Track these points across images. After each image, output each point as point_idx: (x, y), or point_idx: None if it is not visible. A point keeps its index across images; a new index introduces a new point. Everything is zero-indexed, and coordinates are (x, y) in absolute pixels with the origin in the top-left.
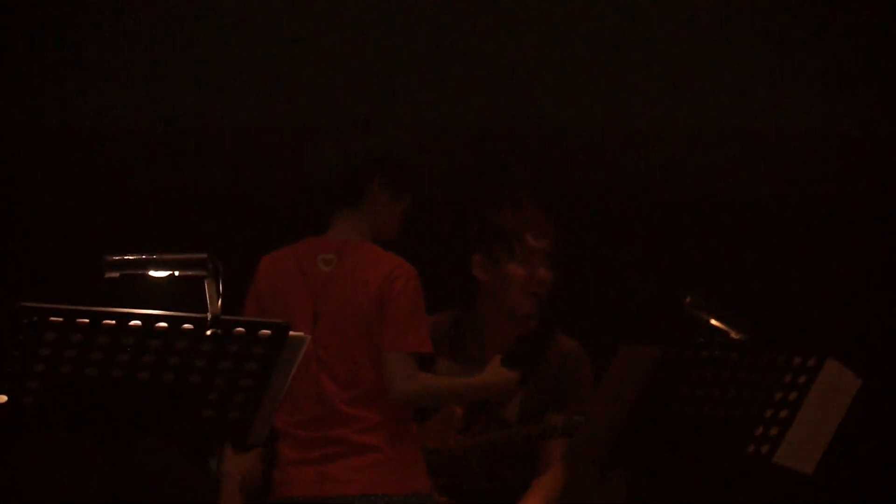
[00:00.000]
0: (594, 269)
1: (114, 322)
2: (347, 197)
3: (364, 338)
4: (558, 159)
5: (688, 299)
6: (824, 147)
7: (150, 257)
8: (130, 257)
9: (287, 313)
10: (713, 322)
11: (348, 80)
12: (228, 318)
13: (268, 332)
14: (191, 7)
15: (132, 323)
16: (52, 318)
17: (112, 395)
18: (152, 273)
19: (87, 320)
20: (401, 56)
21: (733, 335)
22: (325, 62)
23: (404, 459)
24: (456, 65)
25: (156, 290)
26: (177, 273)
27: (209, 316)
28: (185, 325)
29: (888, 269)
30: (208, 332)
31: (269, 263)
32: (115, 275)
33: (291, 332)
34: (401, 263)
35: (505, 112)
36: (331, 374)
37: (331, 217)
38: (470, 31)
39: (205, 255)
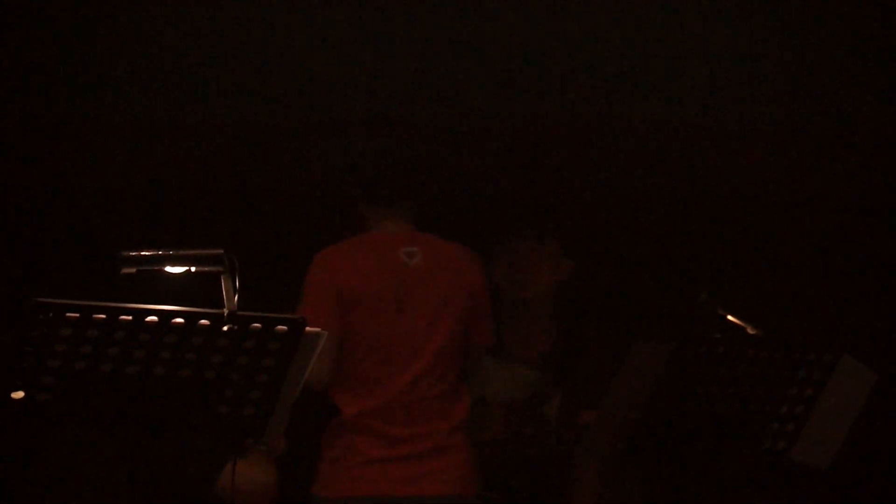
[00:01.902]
0: (609, 265)
1: (130, 318)
2: (399, 192)
3: (457, 329)
4: (572, 155)
5: (703, 295)
6: (842, 143)
7: (167, 253)
8: (147, 253)
9: (376, 306)
10: (729, 318)
11: (363, 78)
12: (244, 313)
13: (284, 327)
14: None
15: (148, 319)
16: (68, 314)
17: (128, 391)
18: (169, 269)
19: (103, 316)
20: (409, 55)
21: (749, 331)
22: (344, 59)
23: (473, 461)
24: (463, 62)
25: (172, 286)
26: (193, 269)
27: (225, 312)
28: (202, 321)
29: None
30: (224, 328)
31: (341, 258)
32: (132, 270)
33: (308, 328)
34: (477, 256)
35: (519, 108)
36: (423, 368)
37: (369, 212)
38: (479, 26)
39: (221, 251)
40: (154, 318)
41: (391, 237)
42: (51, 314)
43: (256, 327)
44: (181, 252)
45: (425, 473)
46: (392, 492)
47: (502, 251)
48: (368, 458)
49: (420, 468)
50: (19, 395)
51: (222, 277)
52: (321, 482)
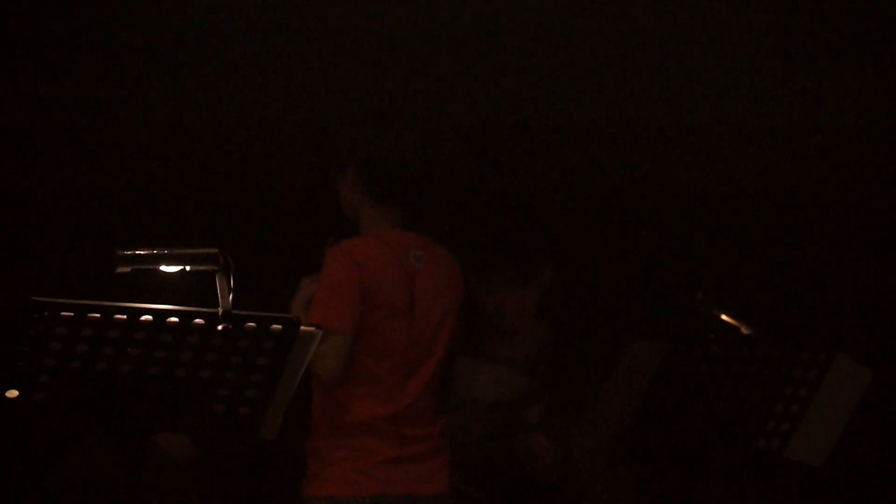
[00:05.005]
0: (603, 264)
1: (125, 317)
2: (408, 192)
3: (448, 338)
4: (564, 155)
5: (698, 294)
6: (836, 140)
7: (162, 252)
8: (142, 252)
9: (393, 310)
10: (723, 317)
11: (357, 77)
12: (239, 312)
13: (279, 327)
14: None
15: (143, 318)
16: (63, 313)
17: (123, 390)
18: (164, 268)
19: (98, 315)
20: (405, 53)
21: (743, 330)
22: (335, 58)
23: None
24: (461, 61)
25: (167, 285)
26: (188, 268)
27: (220, 311)
28: (197, 320)
29: None
30: (219, 327)
31: (367, 256)
32: (127, 269)
33: (302, 327)
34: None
35: (510, 107)
36: (430, 375)
37: (368, 209)
38: (473, 26)
39: (216, 250)
40: (149, 317)
41: (402, 238)
42: (46, 313)
43: (251, 326)
44: (176, 251)
45: (433, 471)
46: (411, 490)
47: (487, 288)
48: (385, 457)
49: (429, 466)
50: (14, 394)
51: (217, 276)
52: (330, 482)
